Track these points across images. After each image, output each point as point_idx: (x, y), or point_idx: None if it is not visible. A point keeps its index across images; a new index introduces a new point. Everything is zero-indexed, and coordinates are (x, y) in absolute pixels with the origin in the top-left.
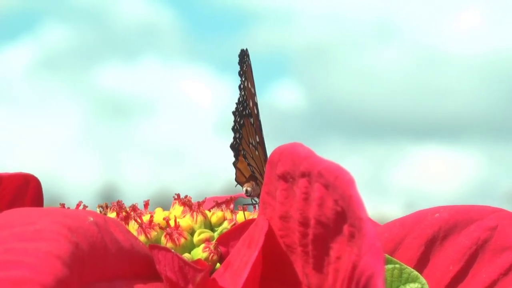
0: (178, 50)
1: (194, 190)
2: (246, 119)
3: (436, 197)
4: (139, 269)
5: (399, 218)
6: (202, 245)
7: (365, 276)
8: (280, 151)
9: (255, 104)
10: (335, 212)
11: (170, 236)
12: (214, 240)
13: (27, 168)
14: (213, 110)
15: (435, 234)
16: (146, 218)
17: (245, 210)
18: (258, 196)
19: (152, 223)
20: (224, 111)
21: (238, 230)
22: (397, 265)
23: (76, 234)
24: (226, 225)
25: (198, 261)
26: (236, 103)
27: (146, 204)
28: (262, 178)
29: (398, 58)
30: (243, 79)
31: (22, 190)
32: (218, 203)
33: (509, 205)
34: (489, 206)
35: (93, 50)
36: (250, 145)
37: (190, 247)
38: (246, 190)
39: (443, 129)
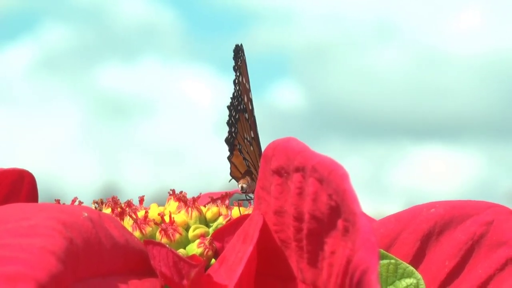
0: (178, 50)
1: (194, 190)
2: (241, 114)
3: (436, 197)
4: (134, 264)
5: (394, 214)
6: (197, 241)
7: (359, 271)
8: (274, 146)
9: (250, 100)
10: (329, 207)
11: (165, 231)
12: (209, 236)
13: (27, 167)
14: (213, 110)
15: (431, 229)
16: (141, 213)
17: (240, 206)
18: (253, 192)
19: (147, 219)
20: (224, 111)
21: (233, 226)
22: (392, 260)
23: (71, 229)
24: (221, 221)
25: (193, 256)
26: (231, 98)
27: (141, 200)
28: (257, 174)
29: (398, 58)
30: (238, 74)
31: (17, 186)
32: (213, 199)
33: (509, 204)
34: (485, 201)
35: (93, 50)
36: (245, 140)
37: (185, 242)
38: (242, 187)
39: (443, 129)
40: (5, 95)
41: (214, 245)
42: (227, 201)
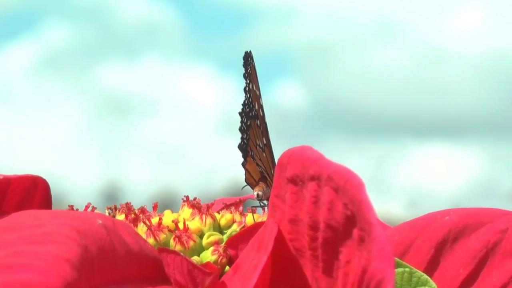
0: (180, 49)
1: (196, 189)
2: (252, 121)
3: (438, 196)
4: (148, 272)
5: (409, 221)
6: (211, 248)
7: (375, 281)
8: (289, 154)
9: (261, 106)
10: (344, 216)
11: (179, 238)
12: (223, 243)
13: (29, 167)
14: (215, 109)
15: (445, 237)
16: (155, 220)
17: (254, 213)
18: (268, 199)
19: (161, 226)
20: (226, 110)
21: (247, 233)
22: (407, 269)
23: (85, 237)
24: (235, 228)
25: (207, 264)
26: (242, 105)
27: (155, 206)
28: (271, 180)
29: (400, 57)
30: (248, 82)
31: (30, 192)
32: (227, 205)
33: (511, 203)
34: (500, 209)
35: (95, 49)
36: (257, 147)
37: (199, 249)
38: (257, 194)
39: (445, 127)
40: (6, 95)
41: (228, 252)
42: (241, 208)
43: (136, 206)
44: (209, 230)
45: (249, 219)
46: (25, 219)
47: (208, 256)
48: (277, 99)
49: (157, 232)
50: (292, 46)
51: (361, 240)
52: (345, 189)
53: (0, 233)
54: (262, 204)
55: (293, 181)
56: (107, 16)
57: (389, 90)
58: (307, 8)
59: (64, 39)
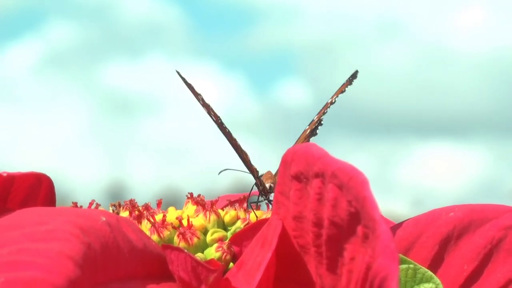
0: (184, 47)
1: (200, 188)
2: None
3: (443, 194)
4: (152, 269)
5: (413, 217)
6: (215, 245)
7: (379, 278)
8: (294, 151)
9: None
10: (348, 213)
11: (183, 235)
12: (227, 240)
13: (33, 165)
14: (219, 108)
15: (450, 233)
16: (159, 217)
17: (258, 209)
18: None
19: (165, 223)
20: (230, 109)
21: (252, 230)
22: (411, 265)
23: (88, 234)
24: (239, 225)
25: (211, 261)
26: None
27: (159, 203)
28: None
29: (403, 55)
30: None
31: (34, 190)
32: (231, 202)
33: None
34: (504, 205)
35: (98, 48)
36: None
37: (203, 246)
38: (270, 186)
39: (448, 126)
40: (11, 93)
41: (232, 249)
42: (245, 205)
43: (140, 204)
44: (213, 227)
45: (254, 216)
46: (28, 216)
47: (212, 253)
48: (281, 98)
49: (161, 229)
50: (295, 45)
51: (365, 237)
52: (349, 186)
53: (3, 231)
54: (262, 199)
55: (297, 178)
56: (110, 15)
57: (392, 89)
58: (310, 7)
59: (67, 38)
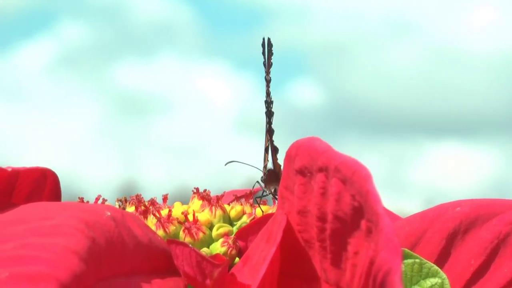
0: (195, 47)
1: (213, 187)
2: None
3: (454, 193)
4: (157, 264)
5: (420, 212)
6: (221, 240)
7: (382, 272)
8: (298, 146)
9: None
10: (352, 207)
11: (188, 230)
12: (233, 235)
13: (46, 164)
14: (231, 107)
15: (456, 228)
16: (164, 212)
17: (265, 204)
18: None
19: (171, 218)
20: (242, 108)
21: (257, 225)
22: (417, 260)
23: (93, 229)
24: (245, 220)
25: (216, 255)
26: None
27: (164, 198)
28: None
29: (415, 55)
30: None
31: (39, 185)
32: (237, 197)
33: None
34: (511, 200)
35: (110, 47)
36: None
37: (209, 241)
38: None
39: (460, 126)
40: (23, 93)
41: (237, 244)
42: (251, 200)
43: None
44: (218, 221)
45: (260, 211)
46: (33, 211)
47: (217, 248)
48: (293, 98)
49: (167, 224)
50: (307, 45)
51: (369, 231)
52: (352, 180)
53: (8, 225)
54: (266, 193)
55: (301, 172)
56: (122, 15)
57: (404, 88)
58: (322, 7)
59: (80, 37)
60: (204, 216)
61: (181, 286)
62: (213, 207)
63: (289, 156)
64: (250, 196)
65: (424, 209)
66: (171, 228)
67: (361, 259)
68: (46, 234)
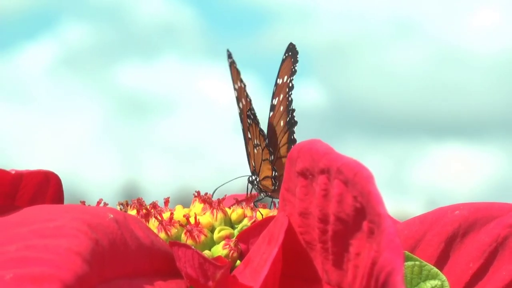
0: (198, 48)
1: (217, 192)
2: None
3: (457, 194)
4: (159, 266)
5: (419, 215)
6: (222, 242)
7: (384, 272)
8: (299, 148)
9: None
10: (354, 209)
11: (190, 233)
12: (234, 237)
13: (48, 166)
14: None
15: (455, 231)
16: (166, 215)
17: (265, 208)
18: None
19: (172, 220)
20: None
21: (258, 227)
22: (417, 262)
23: (96, 231)
24: (246, 222)
25: (218, 258)
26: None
27: (166, 202)
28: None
29: (418, 56)
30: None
31: (42, 187)
32: (238, 201)
33: None
34: (509, 203)
35: (113, 48)
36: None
37: (210, 244)
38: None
39: (463, 127)
40: (26, 94)
41: (239, 246)
42: (252, 203)
43: None
44: (220, 224)
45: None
46: (36, 213)
47: (219, 250)
48: (296, 99)
49: (169, 226)
50: (310, 46)
51: (371, 232)
52: (354, 181)
53: (12, 227)
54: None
55: (303, 174)
56: (125, 16)
57: (407, 89)
58: (324, 8)
59: (82, 38)
60: (205, 219)
61: None
62: (215, 210)
63: (290, 158)
64: (251, 200)
65: (426, 211)
66: (173, 230)
67: (363, 260)
68: (49, 235)
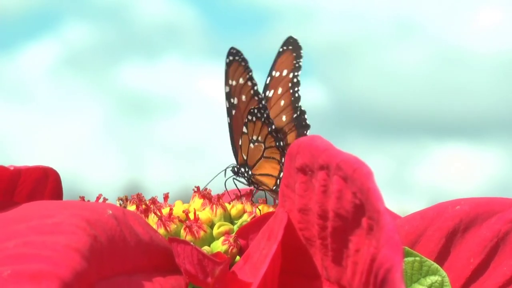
0: (200, 48)
1: (217, 188)
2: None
3: (459, 194)
4: (158, 262)
5: (419, 211)
6: (222, 238)
7: (383, 269)
8: (299, 144)
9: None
10: (353, 205)
11: (189, 229)
12: (234, 233)
13: (50, 165)
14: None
15: (456, 227)
16: (165, 211)
17: (265, 203)
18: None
19: (172, 216)
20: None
21: (258, 223)
22: (417, 258)
23: (95, 227)
24: (245, 218)
25: (217, 254)
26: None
27: (165, 197)
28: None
29: (420, 56)
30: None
31: (41, 183)
32: (237, 196)
33: None
34: (510, 199)
35: (115, 48)
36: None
37: (210, 240)
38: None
39: (465, 127)
40: (28, 94)
41: (238, 242)
42: (251, 198)
43: None
44: (219, 220)
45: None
46: (35, 209)
47: (218, 246)
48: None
49: (168, 222)
50: (311, 46)
51: (370, 228)
52: (353, 177)
53: (10, 224)
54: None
55: (302, 170)
56: (127, 16)
57: (409, 89)
58: (326, 8)
59: (84, 38)
60: (205, 214)
61: (183, 284)
62: (214, 206)
63: (290, 154)
64: (250, 195)
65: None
66: (172, 226)
67: (362, 257)
68: (47, 232)
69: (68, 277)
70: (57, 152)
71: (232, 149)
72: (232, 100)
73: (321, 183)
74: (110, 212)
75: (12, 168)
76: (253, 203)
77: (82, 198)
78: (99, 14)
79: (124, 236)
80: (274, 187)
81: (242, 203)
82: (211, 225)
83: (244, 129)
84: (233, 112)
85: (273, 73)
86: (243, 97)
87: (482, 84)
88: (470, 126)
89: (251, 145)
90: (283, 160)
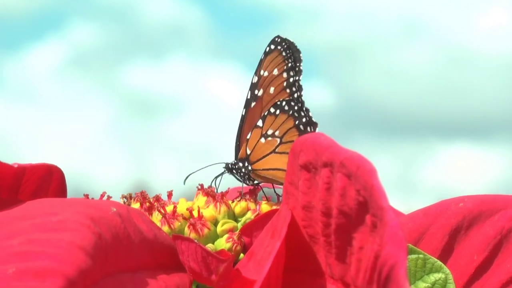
0: (206, 48)
1: (222, 187)
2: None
3: (465, 194)
4: (163, 259)
5: (423, 208)
6: (226, 236)
7: (387, 266)
8: (302, 141)
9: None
10: (357, 202)
11: (193, 226)
12: (238, 231)
13: (58, 165)
14: (240, 108)
15: (459, 224)
16: (169, 208)
17: (269, 201)
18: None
19: (176, 214)
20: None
21: (262, 220)
22: (420, 255)
23: (99, 224)
24: (249, 216)
25: (221, 251)
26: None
27: (169, 195)
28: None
29: (427, 56)
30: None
31: (45, 181)
32: (241, 193)
33: None
34: None
35: (121, 48)
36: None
37: (214, 237)
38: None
39: (472, 127)
40: (35, 94)
41: (242, 240)
42: (255, 196)
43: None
44: (223, 217)
45: (264, 207)
46: (39, 207)
47: (222, 243)
48: (304, 98)
49: (172, 220)
50: (318, 46)
51: (374, 225)
52: (357, 175)
53: (15, 221)
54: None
55: (306, 167)
56: (133, 16)
57: (415, 90)
58: (333, 8)
59: (90, 39)
60: (209, 212)
61: (187, 282)
62: (218, 203)
63: (293, 152)
64: (254, 193)
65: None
66: (176, 224)
67: (366, 254)
68: (52, 229)
69: (73, 274)
70: (64, 151)
71: (236, 142)
72: (256, 91)
73: (325, 181)
74: (114, 209)
75: (16, 166)
76: (256, 201)
77: (87, 196)
78: (105, 14)
79: (128, 234)
80: None
81: (245, 200)
82: (215, 223)
83: (260, 123)
84: (252, 104)
85: (261, 72)
86: (271, 89)
87: (489, 85)
88: (476, 126)
89: (262, 139)
90: None
